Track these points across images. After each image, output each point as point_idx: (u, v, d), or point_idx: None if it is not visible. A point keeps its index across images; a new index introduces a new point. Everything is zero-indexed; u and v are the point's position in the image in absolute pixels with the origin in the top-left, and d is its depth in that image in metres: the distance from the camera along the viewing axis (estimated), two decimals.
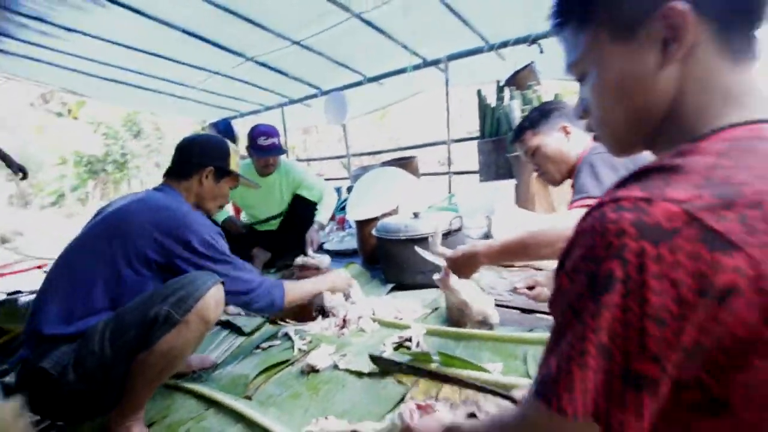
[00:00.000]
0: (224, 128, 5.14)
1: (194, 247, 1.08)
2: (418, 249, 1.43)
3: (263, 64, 3.63)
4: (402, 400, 1.02)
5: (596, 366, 0.36)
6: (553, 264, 1.53)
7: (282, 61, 3.59)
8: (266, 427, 0.97)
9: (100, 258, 1.03)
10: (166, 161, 1.35)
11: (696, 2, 0.40)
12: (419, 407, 0.85)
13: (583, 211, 0.42)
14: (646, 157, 0.50)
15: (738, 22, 0.42)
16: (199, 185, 1.25)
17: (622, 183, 0.42)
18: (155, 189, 1.25)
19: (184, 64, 3.53)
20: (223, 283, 1.04)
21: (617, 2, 0.45)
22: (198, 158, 1.25)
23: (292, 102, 4.72)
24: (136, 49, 3.17)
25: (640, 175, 0.41)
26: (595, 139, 0.56)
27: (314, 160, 6.56)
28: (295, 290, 1.35)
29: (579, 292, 0.38)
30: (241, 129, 5.35)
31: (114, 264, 1.03)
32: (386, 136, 11.59)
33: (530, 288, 1.26)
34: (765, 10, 0.42)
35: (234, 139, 5.03)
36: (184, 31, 2.87)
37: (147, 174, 10.44)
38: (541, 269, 1.79)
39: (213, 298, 0.98)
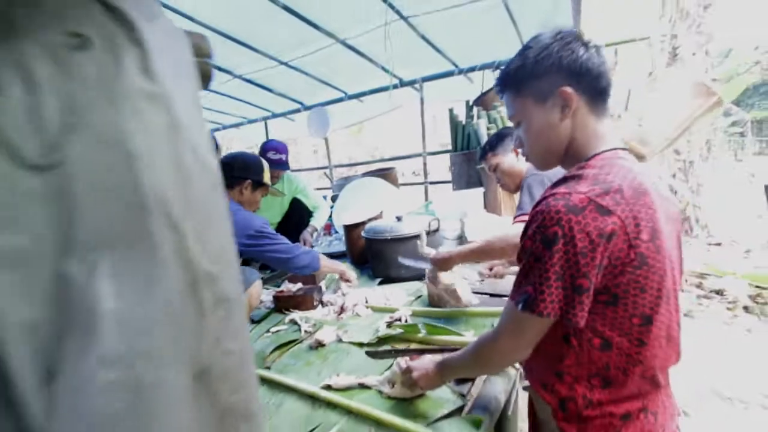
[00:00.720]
0: None
1: (255, 236, 1.42)
2: (401, 259, 1.75)
3: (249, 81, 3.84)
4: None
5: (555, 285, 0.66)
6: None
7: (268, 79, 3.81)
8: (288, 385, 1.20)
9: None
10: None
11: (576, 86, 0.73)
12: (412, 359, 1.11)
13: (521, 224, 0.76)
14: (560, 170, 0.82)
15: (598, 96, 0.75)
16: (240, 195, 1.52)
17: (555, 185, 0.73)
18: None
19: None
20: (263, 278, 1.31)
21: (536, 85, 0.76)
22: (239, 172, 1.52)
23: (275, 116, 4.92)
24: None
25: (562, 181, 0.72)
26: (527, 160, 0.89)
27: (297, 170, 6.73)
28: (326, 261, 1.81)
29: (538, 246, 0.67)
30: (223, 140, 5.49)
31: None
32: (362, 149, 11.93)
33: (490, 269, 1.64)
34: (610, 91, 0.75)
35: (217, 150, 5.14)
36: None
37: None
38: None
39: (256, 290, 1.22)
